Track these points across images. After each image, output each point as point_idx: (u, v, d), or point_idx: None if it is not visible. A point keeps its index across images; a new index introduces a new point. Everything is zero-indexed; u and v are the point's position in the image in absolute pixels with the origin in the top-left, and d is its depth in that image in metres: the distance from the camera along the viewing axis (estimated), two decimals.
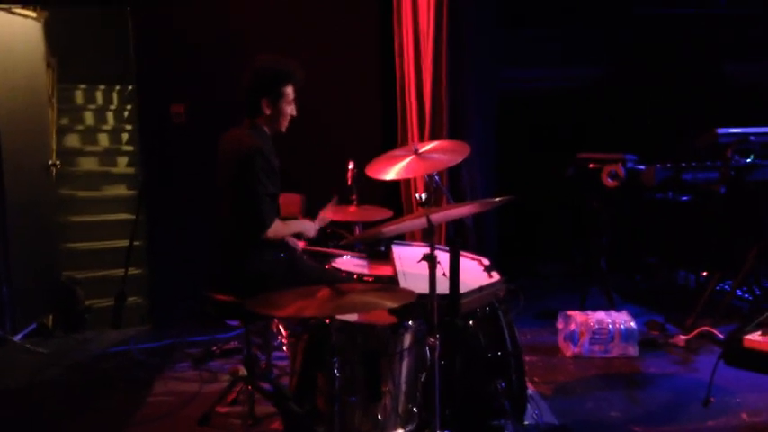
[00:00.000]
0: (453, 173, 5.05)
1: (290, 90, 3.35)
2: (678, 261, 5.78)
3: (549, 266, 6.52)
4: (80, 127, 7.49)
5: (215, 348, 4.49)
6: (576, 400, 3.70)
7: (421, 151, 3.11)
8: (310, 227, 3.53)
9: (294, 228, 3.45)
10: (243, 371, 3.52)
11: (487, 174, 5.31)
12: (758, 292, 4.89)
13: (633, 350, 4.30)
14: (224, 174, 3.35)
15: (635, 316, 4.48)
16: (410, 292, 2.50)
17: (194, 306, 3.99)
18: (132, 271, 5.86)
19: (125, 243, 5.74)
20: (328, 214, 3.66)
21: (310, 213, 4.46)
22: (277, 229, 3.25)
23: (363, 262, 3.72)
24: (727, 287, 4.98)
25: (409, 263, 3.28)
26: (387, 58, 5.29)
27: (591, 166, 4.94)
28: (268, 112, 3.32)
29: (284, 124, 3.40)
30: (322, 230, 4.28)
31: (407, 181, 5.13)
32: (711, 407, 3.42)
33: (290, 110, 3.38)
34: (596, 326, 4.30)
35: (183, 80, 5.14)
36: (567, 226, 6.39)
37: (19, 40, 5.25)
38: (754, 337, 2.22)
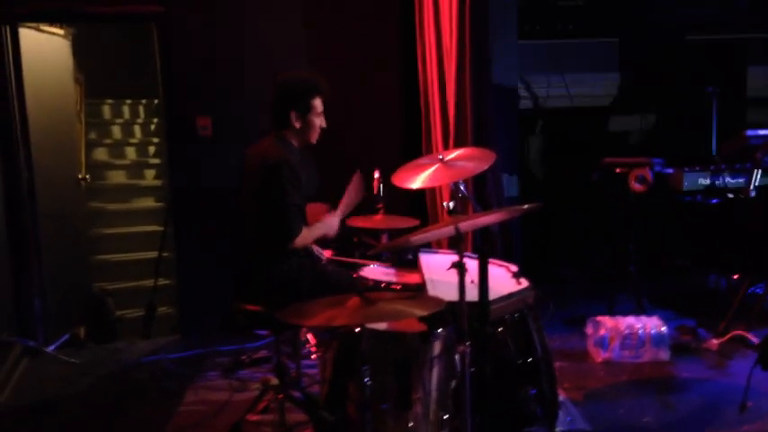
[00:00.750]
0: (478, 180, 5.04)
1: (318, 102, 3.39)
2: (708, 264, 5.71)
3: (573, 272, 6.48)
4: (108, 141, 7.60)
5: (244, 357, 4.52)
6: (608, 406, 3.67)
7: (446, 159, 3.11)
8: (333, 222, 3.51)
9: (318, 231, 3.44)
10: (273, 380, 3.55)
11: (511, 180, 5.30)
12: None
13: (665, 355, 4.25)
14: (250, 184, 3.38)
15: (665, 320, 4.43)
16: (439, 300, 2.50)
17: (223, 316, 4.02)
18: (162, 282, 5.92)
19: (154, 254, 5.80)
20: (352, 195, 3.62)
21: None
22: (304, 237, 3.28)
23: (391, 270, 3.72)
24: (759, 290, 4.92)
25: (437, 270, 3.28)
26: (409, 67, 5.31)
27: (617, 170, 4.91)
28: (297, 125, 3.36)
29: (314, 136, 3.44)
30: (349, 239, 4.31)
31: (433, 189, 5.14)
32: (747, 412, 3.37)
33: (320, 122, 3.42)
34: (627, 331, 4.26)
35: (208, 93, 5.20)
36: (591, 231, 6.35)
37: (47, 57, 5.35)
38: None
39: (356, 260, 3.92)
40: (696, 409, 3.60)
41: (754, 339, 4.35)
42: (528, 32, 5.77)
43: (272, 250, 3.30)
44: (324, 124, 3.44)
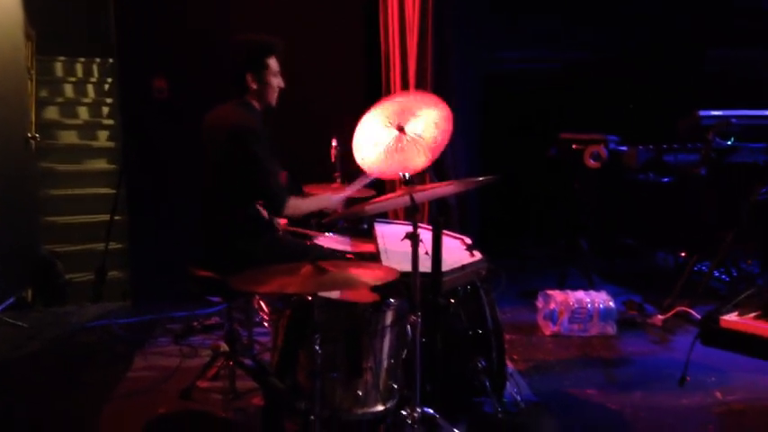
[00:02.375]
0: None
1: (273, 62, 3.31)
2: (657, 242, 5.85)
3: (530, 246, 6.57)
4: (60, 99, 7.39)
5: (196, 324, 4.48)
6: (555, 378, 3.75)
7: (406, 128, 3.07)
8: (335, 200, 3.45)
9: (313, 204, 3.41)
10: (224, 346, 3.54)
11: (471, 153, 5.32)
12: (735, 274, 4.97)
13: (611, 329, 4.35)
14: (215, 153, 3.29)
15: (614, 296, 4.53)
16: (392, 270, 2.51)
17: (175, 281, 3.98)
18: (113, 245, 5.83)
19: (106, 217, 5.70)
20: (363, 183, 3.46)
21: (293, 188, 4.45)
22: (297, 206, 3.26)
23: (346, 239, 3.72)
24: (705, 268, 5.05)
25: (392, 241, 3.28)
26: (371, 34, 5.26)
27: (574, 146, 4.96)
28: (254, 86, 3.28)
29: (273, 97, 3.37)
30: None
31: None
32: (687, 385, 3.47)
33: (277, 82, 3.35)
34: (576, 305, 4.34)
35: (165, 54, 5.08)
36: (548, 206, 6.44)
37: None
38: (731, 318, 2.26)
39: (309, 232, 3.89)
40: (638, 381, 3.70)
41: (697, 315, 4.48)
42: (495, 4, 5.75)
43: (237, 220, 3.24)
44: (282, 84, 3.37)
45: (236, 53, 3.30)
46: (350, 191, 3.46)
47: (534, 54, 6.60)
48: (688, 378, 3.38)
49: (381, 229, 3.58)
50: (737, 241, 4.71)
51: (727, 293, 4.97)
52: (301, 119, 5.11)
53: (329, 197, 3.49)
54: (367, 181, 3.37)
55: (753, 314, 2.26)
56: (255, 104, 3.34)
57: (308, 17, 5.23)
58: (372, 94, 5.30)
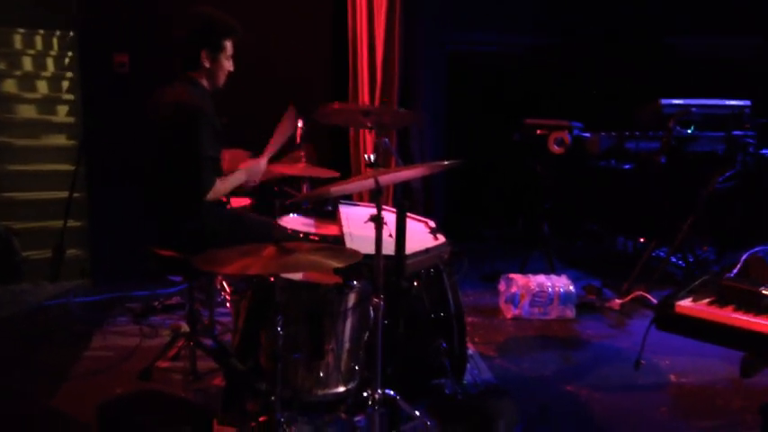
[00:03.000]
0: (403, 135, 5.05)
1: (229, 44, 3.26)
2: (617, 227, 5.94)
3: (493, 230, 6.62)
4: (18, 73, 7.20)
5: (157, 303, 4.44)
6: (514, 360, 3.80)
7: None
8: (256, 167, 3.38)
9: (236, 180, 3.33)
10: (185, 326, 3.51)
11: (437, 137, 5.33)
12: (691, 260, 5.08)
13: (571, 313, 4.42)
14: (162, 131, 3.23)
15: (574, 280, 4.60)
16: (356, 253, 2.51)
17: (136, 260, 3.93)
18: (72, 223, 5.72)
19: (64, 194, 5.59)
20: (283, 132, 3.47)
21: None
22: (217, 189, 3.19)
23: (310, 221, 3.71)
24: (662, 254, 5.15)
25: (356, 223, 3.28)
26: (339, 17, 5.22)
27: (538, 132, 5.00)
28: (207, 65, 3.23)
29: (222, 79, 3.32)
30: (269, 188, 4.25)
31: (357, 141, 5.12)
32: (642, 369, 3.56)
33: (229, 65, 3.30)
34: (537, 289, 4.40)
35: (127, 29, 4.98)
36: (511, 191, 6.49)
37: None
38: (685, 304, 2.30)
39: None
40: (595, 364, 3.78)
41: (654, 300, 4.57)
42: None
43: (184, 200, 3.20)
44: (231, 68, 3.32)
45: (193, 26, 3.22)
46: (268, 151, 3.43)
47: (499, 38, 6.61)
48: (643, 362, 3.47)
49: (346, 211, 3.57)
50: (694, 229, 4.81)
51: (683, 279, 5.08)
52: (267, 99, 5.06)
53: (251, 168, 3.39)
54: (284, 138, 3.42)
55: (706, 300, 2.30)
56: (204, 83, 3.28)
57: None
58: (339, 74, 5.28)
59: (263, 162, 3.41)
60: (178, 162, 3.15)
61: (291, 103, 3.60)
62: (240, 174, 3.36)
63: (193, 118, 3.10)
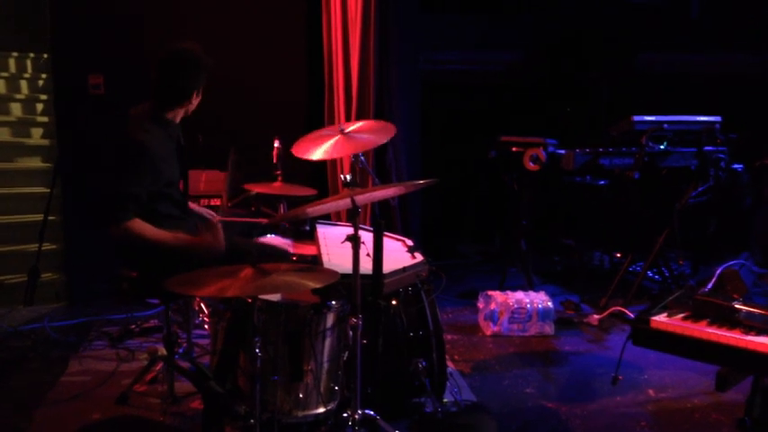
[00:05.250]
0: (379, 154, 5.07)
1: (204, 76, 3.24)
2: (594, 243, 6.00)
3: (470, 247, 6.65)
4: None
5: (134, 326, 4.40)
6: (494, 378, 3.81)
7: (347, 131, 3.11)
8: (215, 239, 3.05)
9: (184, 241, 3.06)
10: (162, 350, 3.48)
11: (412, 156, 5.35)
12: (667, 274, 5.13)
13: (550, 329, 4.44)
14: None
15: (552, 296, 4.63)
16: (333, 273, 2.51)
17: (112, 283, 3.90)
18: (47, 246, 5.64)
19: (39, 217, 5.52)
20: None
21: (233, 190, 4.42)
22: (138, 230, 3.00)
23: (287, 241, 3.70)
24: (638, 269, 5.20)
25: (333, 243, 3.28)
26: (314, 36, 5.25)
27: (514, 149, 5.05)
28: (195, 101, 3.24)
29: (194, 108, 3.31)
30: (247, 207, 4.25)
31: (333, 160, 5.12)
32: (620, 384, 3.58)
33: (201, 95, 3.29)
34: (515, 305, 4.42)
35: (102, 50, 4.97)
36: (487, 208, 6.53)
37: None
38: (661, 319, 2.32)
39: (246, 219, 3.86)
40: (574, 380, 3.80)
41: (631, 315, 4.61)
42: (431, 5, 5.81)
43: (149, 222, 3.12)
44: None
45: (181, 67, 3.16)
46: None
47: (473, 56, 6.69)
48: (621, 377, 3.47)
49: (323, 231, 3.58)
50: (669, 243, 4.87)
51: (659, 293, 5.13)
52: (243, 119, 5.08)
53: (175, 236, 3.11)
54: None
55: (681, 315, 2.33)
56: (176, 118, 3.24)
57: (249, 16, 5.19)
58: (315, 93, 5.30)
59: (220, 239, 3.08)
60: (109, 197, 3.08)
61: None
62: (195, 240, 3.08)
63: (130, 154, 3.04)
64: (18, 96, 7.23)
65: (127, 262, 3.19)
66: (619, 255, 5.76)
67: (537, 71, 6.63)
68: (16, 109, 7.16)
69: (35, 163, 6.82)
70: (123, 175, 3.04)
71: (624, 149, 4.91)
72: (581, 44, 6.53)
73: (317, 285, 2.44)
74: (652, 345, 2.37)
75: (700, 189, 4.85)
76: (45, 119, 7.05)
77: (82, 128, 5.00)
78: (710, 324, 2.26)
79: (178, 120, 3.28)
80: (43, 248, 5.46)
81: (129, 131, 3.12)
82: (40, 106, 7.22)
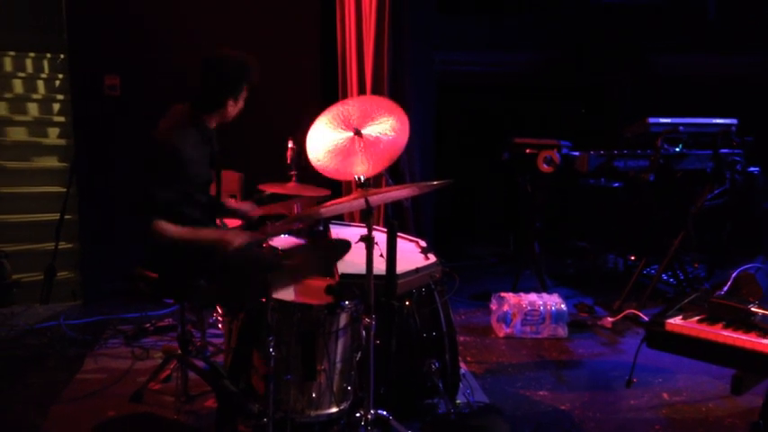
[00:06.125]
0: None
1: (246, 85, 3.23)
2: (608, 245, 5.97)
3: (482, 249, 6.64)
4: (9, 95, 7.21)
5: (148, 325, 4.42)
6: (507, 379, 3.80)
7: (362, 132, 3.09)
8: (233, 238, 3.03)
9: (204, 236, 3.09)
10: (176, 348, 3.50)
11: (426, 156, 5.35)
12: (682, 277, 5.10)
13: (563, 331, 4.43)
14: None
15: (565, 298, 4.61)
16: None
17: (127, 282, 3.92)
18: (63, 245, 5.71)
19: (56, 216, 5.58)
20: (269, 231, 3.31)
21: (248, 190, 4.44)
22: (163, 229, 3.00)
23: (301, 241, 3.71)
24: (653, 271, 5.17)
25: None
26: (328, 37, 5.26)
27: (527, 151, 5.03)
28: (230, 110, 3.20)
29: (234, 116, 3.28)
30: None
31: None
32: (634, 386, 3.57)
33: (242, 103, 3.27)
34: (528, 307, 4.41)
35: (118, 51, 5.00)
36: (501, 210, 6.52)
37: None
38: (676, 322, 2.32)
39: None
40: (588, 383, 3.78)
41: (645, 318, 4.59)
42: (445, 6, 5.80)
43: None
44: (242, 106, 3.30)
45: (225, 71, 3.16)
46: (252, 237, 3.18)
47: (488, 57, 6.68)
48: (635, 380, 3.48)
49: (337, 232, 3.59)
50: (684, 246, 4.84)
51: (674, 296, 5.10)
52: (257, 120, 5.08)
53: (227, 236, 3.08)
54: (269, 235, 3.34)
55: (696, 318, 2.32)
56: (212, 123, 3.23)
57: (263, 17, 5.20)
58: (328, 94, 5.31)
59: (240, 240, 3.07)
60: (139, 191, 3.07)
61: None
62: (213, 234, 3.16)
63: (165, 156, 3.03)
64: (35, 96, 7.32)
65: (152, 261, 3.19)
66: (633, 257, 5.73)
67: (552, 73, 6.61)
68: (33, 109, 7.25)
69: (52, 162, 6.90)
70: (154, 177, 3.04)
71: (639, 152, 4.88)
72: (596, 46, 6.50)
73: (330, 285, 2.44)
74: (667, 347, 2.36)
75: (715, 192, 4.81)
76: (61, 119, 7.13)
77: (98, 128, 5.03)
78: (726, 327, 2.25)
79: (213, 125, 3.26)
80: (60, 247, 5.52)
81: (163, 132, 3.11)
82: (56, 106, 7.30)
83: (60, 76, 7.39)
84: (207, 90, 3.17)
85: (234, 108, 3.23)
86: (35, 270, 5.77)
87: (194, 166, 3.09)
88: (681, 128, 4.81)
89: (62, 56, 7.13)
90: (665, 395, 3.58)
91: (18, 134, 7.03)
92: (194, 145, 3.12)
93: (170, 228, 3.01)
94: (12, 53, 7.41)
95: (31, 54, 7.49)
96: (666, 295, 5.18)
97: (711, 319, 2.30)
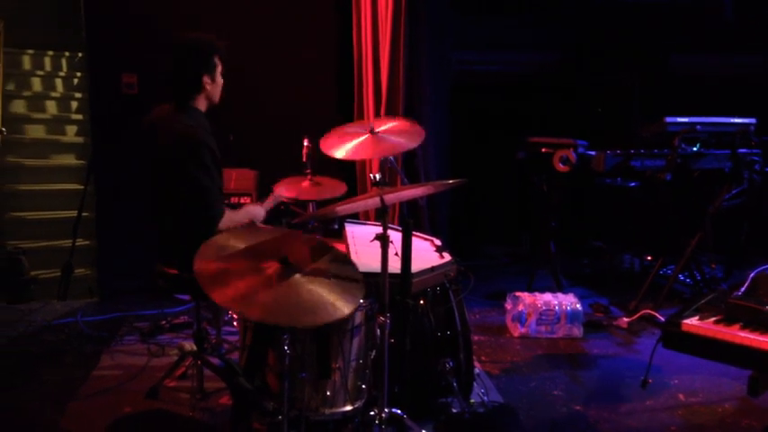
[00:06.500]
0: (408, 153, 5.07)
1: (218, 60, 3.27)
2: (624, 245, 5.94)
3: (498, 248, 6.63)
4: (27, 93, 7.27)
5: (164, 322, 4.45)
6: (521, 379, 3.79)
7: (377, 131, 3.09)
8: (259, 212, 3.45)
9: (242, 217, 3.33)
10: (192, 345, 3.52)
11: (441, 155, 5.35)
12: (699, 278, 5.06)
13: (578, 331, 4.41)
14: (167, 164, 3.21)
15: (581, 298, 4.59)
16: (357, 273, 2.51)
17: (144, 279, 3.96)
18: (80, 242, 5.75)
19: (73, 213, 5.62)
20: (281, 192, 3.63)
21: (263, 189, 4.45)
22: (230, 219, 3.20)
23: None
24: (669, 272, 5.14)
25: (362, 241, 3.29)
26: (345, 36, 5.27)
27: (543, 150, 5.01)
28: (209, 87, 3.24)
29: (218, 94, 3.33)
30: (275, 207, 4.27)
31: (362, 160, 5.14)
32: (650, 387, 3.53)
33: (221, 80, 3.31)
34: (543, 307, 4.39)
35: (135, 49, 5.03)
36: (515, 209, 6.50)
37: None
38: (692, 322, 2.30)
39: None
40: (603, 383, 3.76)
41: (662, 318, 4.56)
42: (461, 6, 5.79)
43: (197, 230, 3.19)
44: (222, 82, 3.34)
45: (186, 53, 3.23)
46: (268, 203, 3.55)
47: (503, 57, 6.65)
48: (650, 380, 3.44)
49: (352, 230, 3.59)
50: (701, 246, 4.80)
51: (690, 297, 5.06)
52: (274, 117, 5.12)
53: (253, 209, 3.45)
54: (279, 199, 3.59)
55: (713, 318, 2.30)
56: (201, 107, 3.27)
57: (280, 16, 5.22)
58: (344, 93, 5.32)
59: (262, 211, 3.47)
60: (188, 195, 3.14)
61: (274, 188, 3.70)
62: (245, 213, 3.39)
63: (198, 150, 3.09)
64: (53, 94, 7.37)
65: (174, 258, 3.22)
66: (649, 258, 5.70)
67: (568, 72, 6.57)
68: (51, 107, 7.31)
69: (69, 160, 6.96)
70: (205, 173, 3.09)
71: (656, 151, 4.85)
72: (613, 44, 6.46)
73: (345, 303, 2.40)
74: (683, 348, 2.34)
75: (733, 192, 4.77)
76: (79, 117, 7.18)
77: (115, 126, 5.07)
78: (743, 328, 2.23)
79: (203, 109, 3.30)
80: (77, 244, 5.56)
81: (184, 131, 3.13)
82: (74, 104, 7.36)
83: (78, 74, 7.45)
84: (182, 74, 3.22)
85: (212, 86, 3.26)
86: (52, 267, 5.82)
87: (214, 151, 3.16)
88: (698, 127, 4.77)
89: (80, 54, 7.19)
90: (681, 396, 3.56)
91: (36, 132, 7.09)
92: (205, 131, 3.18)
93: (231, 215, 3.19)
94: (30, 51, 7.47)
95: (50, 52, 7.56)
96: (683, 296, 5.14)
97: (728, 320, 2.28)
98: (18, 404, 3.45)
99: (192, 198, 3.14)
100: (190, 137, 3.11)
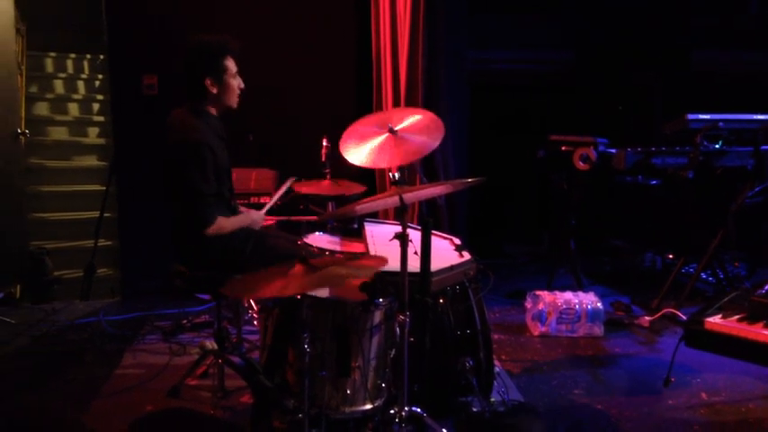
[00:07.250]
0: None
1: (231, 63, 3.25)
2: (645, 243, 5.89)
3: (518, 247, 6.60)
4: (50, 95, 7.37)
5: (185, 321, 4.49)
6: (542, 378, 3.77)
7: (396, 129, 3.07)
8: (258, 217, 3.48)
9: (238, 222, 3.33)
10: (213, 344, 3.55)
11: (460, 154, 5.34)
12: (722, 276, 5.01)
13: (599, 330, 4.38)
14: (167, 164, 3.25)
15: (602, 297, 4.56)
16: (381, 258, 2.53)
17: (165, 279, 3.98)
18: (102, 242, 5.82)
19: (95, 214, 5.69)
20: (279, 195, 3.72)
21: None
22: (221, 226, 3.19)
23: (336, 239, 3.73)
24: (692, 270, 5.09)
25: (381, 240, 3.30)
26: (363, 36, 5.28)
27: (563, 148, 4.99)
28: (214, 90, 3.22)
29: (234, 99, 3.31)
30: (294, 206, 4.30)
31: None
32: (672, 386, 3.51)
33: (237, 83, 3.28)
34: (564, 306, 4.37)
35: (156, 51, 5.07)
36: (535, 207, 6.47)
37: None
38: (715, 320, 2.28)
39: (299, 218, 3.96)
40: (625, 382, 3.73)
41: (684, 317, 4.51)
42: (480, 5, 5.78)
43: (190, 231, 3.21)
44: (242, 85, 3.30)
45: (191, 57, 3.22)
46: (269, 204, 3.62)
47: (523, 55, 6.63)
48: (673, 379, 3.41)
49: (371, 229, 3.60)
50: (724, 244, 4.75)
51: (713, 295, 5.01)
52: (293, 117, 5.14)
53: (250, 215, 3.47)
54: (284, 190, 3.66)
55: (736, 317, 2.28)
56: (212, 110, 3.28)
57: (298, 16, 5.24)
58: (363, 93, 5.32)
59: (261, 215, 3.53)
60: (181, 196, 3.18)
61: (293, 178, 3.73)
62: (244, 218, 3.41)
63: (195, 155, 3.09)
64: (75, 96, 7.47)
65: (189, 258, 3.26)
66: (671, 256, 5.64)
67: (588, 69, 6.53)
68: (74, 109, 7.40)
69: (91, 161, 7.04)
70: (201, 178, 3.10)
71: (677, 148, 4.80)
72: (634, 41, 6.41)
73: (365, 276, 2.44)
74: (706, 346, 2.32)
75: (756, 189, 4.71)
76: (101, 118, 7.27)
77: (136, 127, 5.12)
78: (767, 326, 2.21)
79: (215, 112, 3.31)
80: (99, 245, 5.62)
81: (188, 133, 3.16)
82: (96, 106, 7.44)
83: (100, 76, 7.54)
84: (188, 79, 3.24)
85: (219, 88, 3.23)
86: (75, 267, 5.90)
87: (217, 155, 3.17)
88: (721, 124, 4.71)
89: (102, 56, 7.27)
90: (703, 395, 3.52)
91: (59, 134, 7.19)
92: (210, 135, 3.19)
93: (223, 222, 3.18)
94: (53, 54, 7.57)
95: (72, 55, 7.65)
96: (705, 294, 5.09)
97: (752, 318, 2.26)
98: (42, 403, 3.49)
99: (186, 200, 3.16)
100: (190, 138, 3.13)
